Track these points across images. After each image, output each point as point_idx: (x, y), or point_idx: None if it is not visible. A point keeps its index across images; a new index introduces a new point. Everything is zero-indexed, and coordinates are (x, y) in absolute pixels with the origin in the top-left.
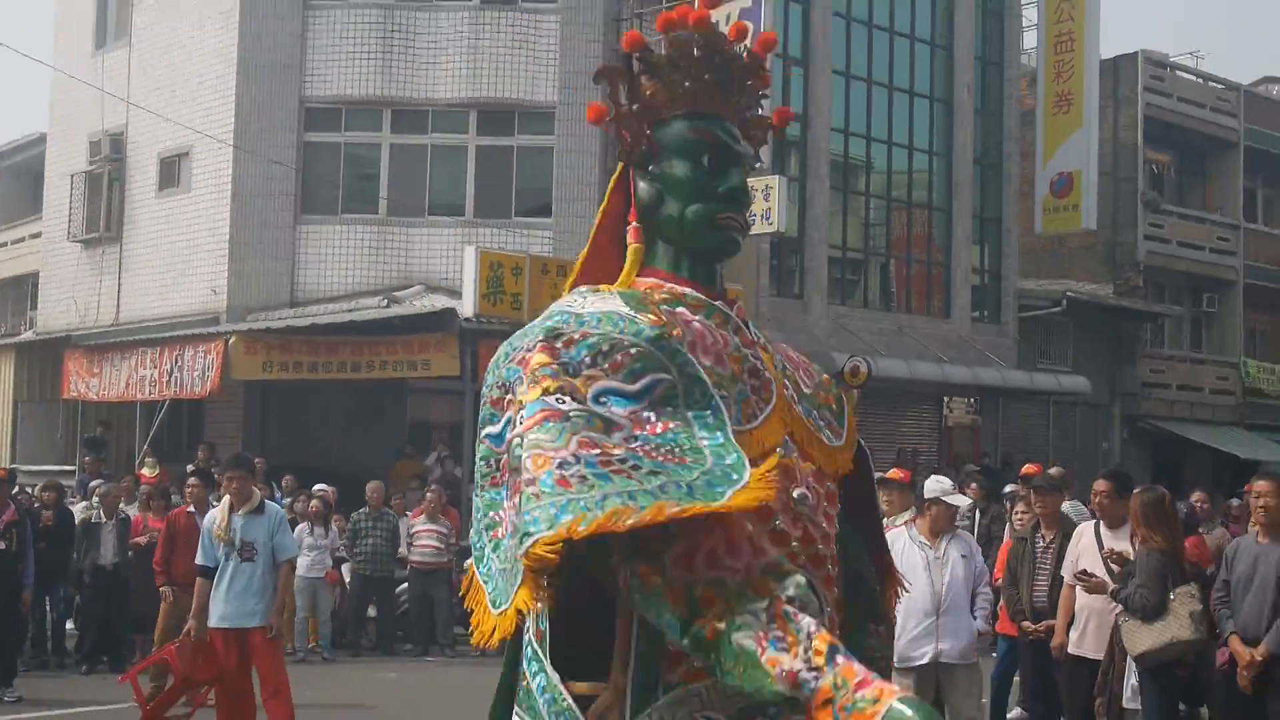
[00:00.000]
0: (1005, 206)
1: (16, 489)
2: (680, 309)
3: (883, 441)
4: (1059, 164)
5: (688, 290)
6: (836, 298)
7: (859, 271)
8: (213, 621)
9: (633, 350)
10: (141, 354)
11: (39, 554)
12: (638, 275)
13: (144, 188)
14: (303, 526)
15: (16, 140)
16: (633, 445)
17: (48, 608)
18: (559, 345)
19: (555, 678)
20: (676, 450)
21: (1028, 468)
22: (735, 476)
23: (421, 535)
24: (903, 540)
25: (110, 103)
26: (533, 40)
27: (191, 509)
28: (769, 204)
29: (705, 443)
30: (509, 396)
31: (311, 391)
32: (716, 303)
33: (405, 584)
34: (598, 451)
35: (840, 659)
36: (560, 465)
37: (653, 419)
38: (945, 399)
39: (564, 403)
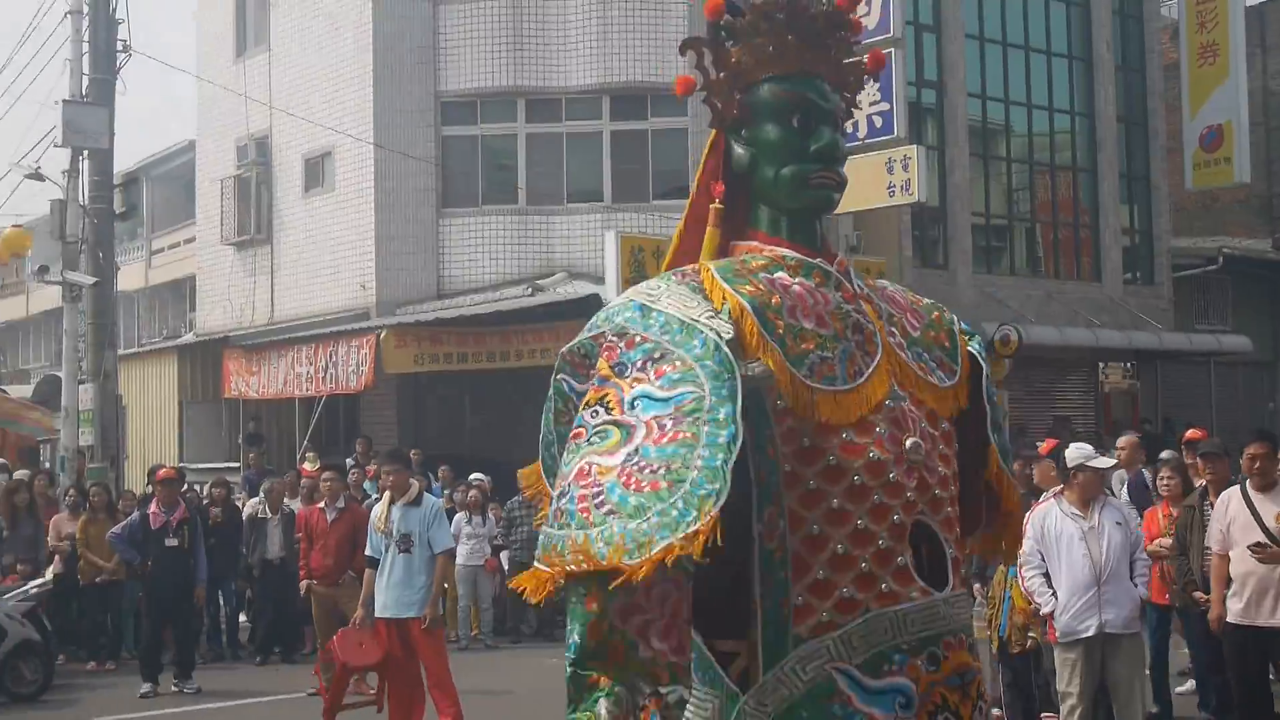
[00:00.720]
0: (1153, 164)
1: (186, 488)
2: (780, 274)
3: (1038, 410)
4: (1207, 117)
5: (787, 252)
6: (982, 266)
7: (1004, 238)
8: (377, 610)
9: (678, 363)
10: (297, 351)
11: (209, 550)
12: (740, 240)
13: (291, 189)
14: (460, 516)
15: (170, 148)
16: (630, 464)
17: (221, 602)
18: (622, 345)
19: (697, 638)
20: (666, 469)
21: (1191, 433)
22: (690, 516)
23: None
24: (1053, 514)
25: (254, 108)
26: (661, 22)
27: (323, 505)
28: (908, 174)
29: (700, 462)
30: (590, 367)
31: (463, 382)
32: (816, 260)
33: None
34: (583, 487)
35: None
36: (558, 496)
37: (669, 427)
38: (1100, 365)
39: (596, 416)
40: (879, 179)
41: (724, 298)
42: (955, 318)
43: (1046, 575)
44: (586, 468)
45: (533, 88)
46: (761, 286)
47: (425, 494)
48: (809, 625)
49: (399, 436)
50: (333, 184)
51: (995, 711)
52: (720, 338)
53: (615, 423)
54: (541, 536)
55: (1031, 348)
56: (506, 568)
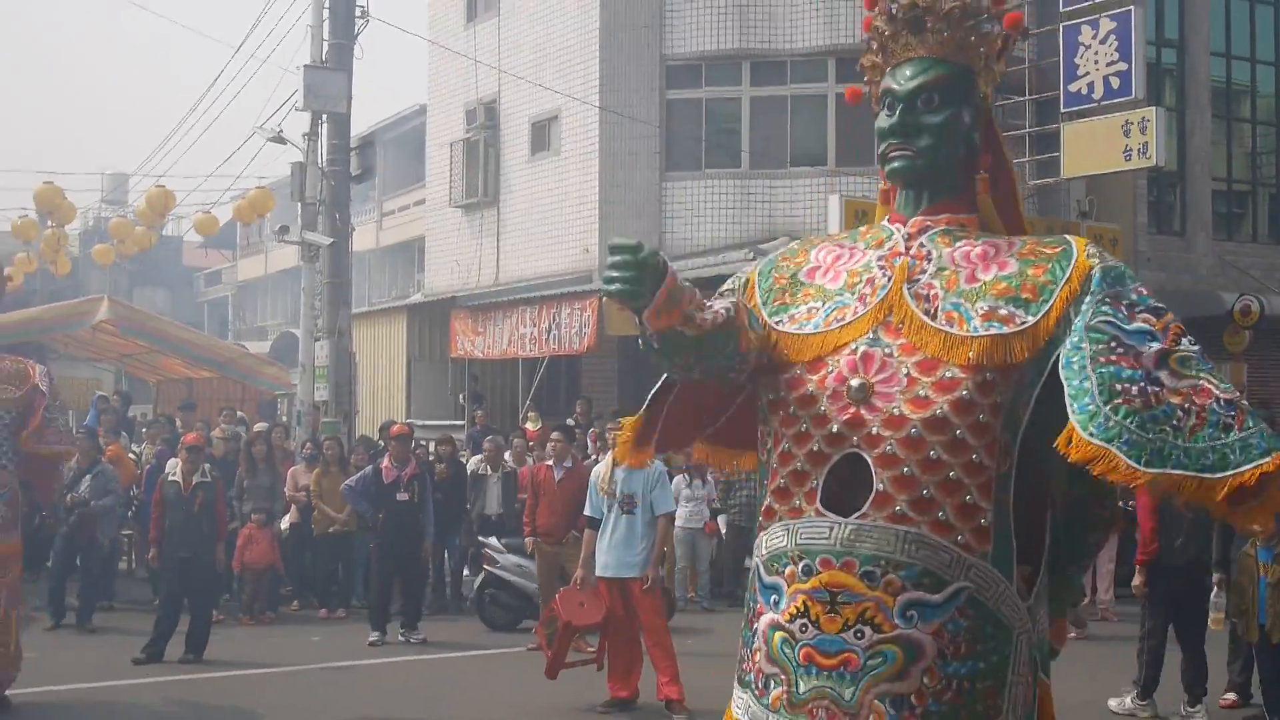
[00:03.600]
0: None
1: (414, 444)
2: (846, 240)
3: (1279, 385)
4: None
5: (883, 223)
6: (1222, 233)
7: (1245, 204)
8: (598, 570)
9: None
10: (521, 313)
11: (436, 505)
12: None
13: (517, 152)
14: (680, 479)
15: (401, 112)
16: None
17: (446, 556)
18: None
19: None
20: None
21: None
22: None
23: None
24: None
25: (483, 72)
26: None
27: (550, 463)
28: (1145, 137)
29: None
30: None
31: None
32: (893, 225)
33: None
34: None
35: None
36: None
37: None
38: None
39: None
40: (1115, 142)
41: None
42: (1071, 271)
43: None
44: None
45: (758, 50)
46: (803, 255)
47: None
48: (758, 525)
49: (619, 398)
50: (558, 147)
51: (1230, 696)
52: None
53: None
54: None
55: (1273, 319)
56: (724, 531)
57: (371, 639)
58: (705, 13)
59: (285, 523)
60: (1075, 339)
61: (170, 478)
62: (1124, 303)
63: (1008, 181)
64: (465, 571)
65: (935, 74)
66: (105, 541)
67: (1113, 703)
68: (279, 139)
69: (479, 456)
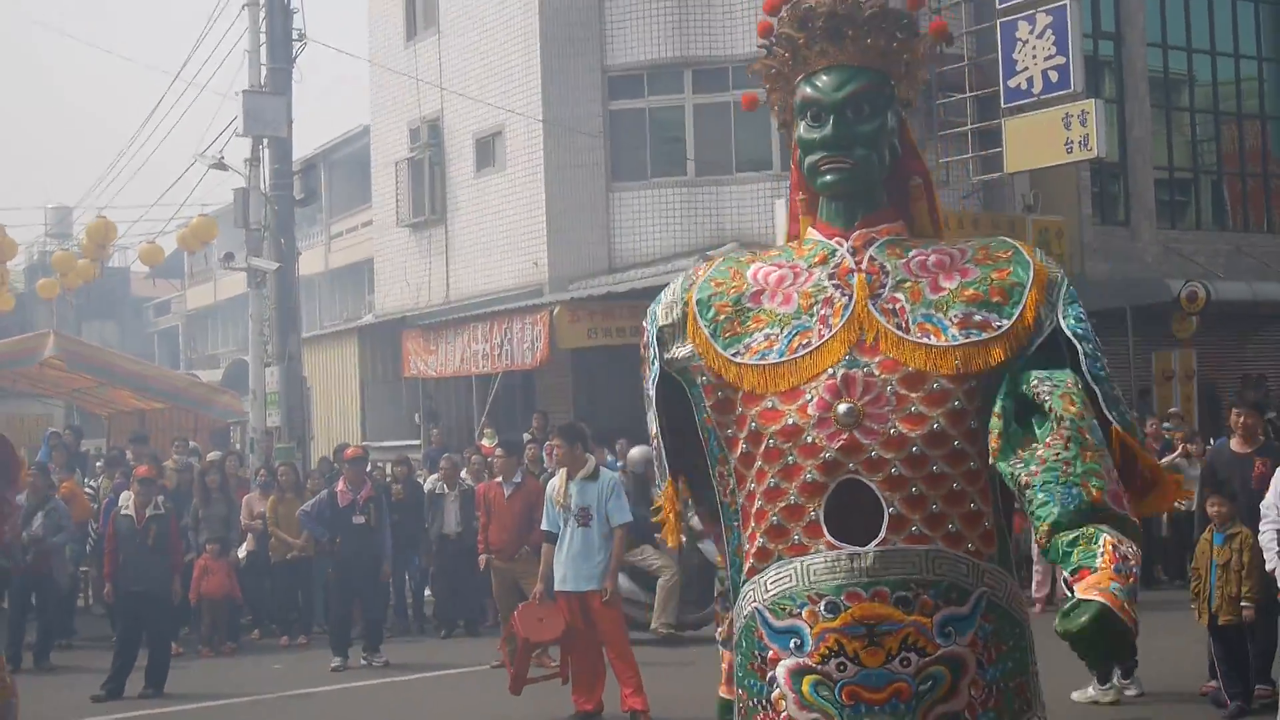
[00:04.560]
0: None
1: (370, 466)
2: (784, 258)
3: (1228, 369)
4: None
5: (812, 233)
6: (1166, 221)
7: (1188, 192)
8: (556, 584)
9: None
10: (473, 329)
11: (393, 526)
12: (814, 224)
13: (463, 169)
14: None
15: (345, 133)
16: None
17: (406, 577)
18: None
19: None
20: None
21: None
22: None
23: None
24: None
25: (425, 90)
26: None
27: (499, 480)
28: (1086, 129)
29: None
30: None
31: (636, 354)
32: (832, 240)
33: None
34: None
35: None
36: None
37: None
38: None
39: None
40: (1056, 135)
41: (684, 292)
42: (1033, 275)
43: None
44: None
45: (699, 58)
46: (738, 277)
47: (602, 468)
48: (746, 568)
49: (574, 410)
50: (503, 163)
51: (1211, 683)
52: (654, 327)
53: None
54: None
55: (1219, 304)
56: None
57: (334, 664)
58: (645, 22)
59: (243, 551)
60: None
61: (123, 511)
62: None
63: (928, 185)
64: (426, 592)
65: (861, 83)
66: (63, 578)
67: (1075, 695)
68: (221, 165)
69: (435, 475)
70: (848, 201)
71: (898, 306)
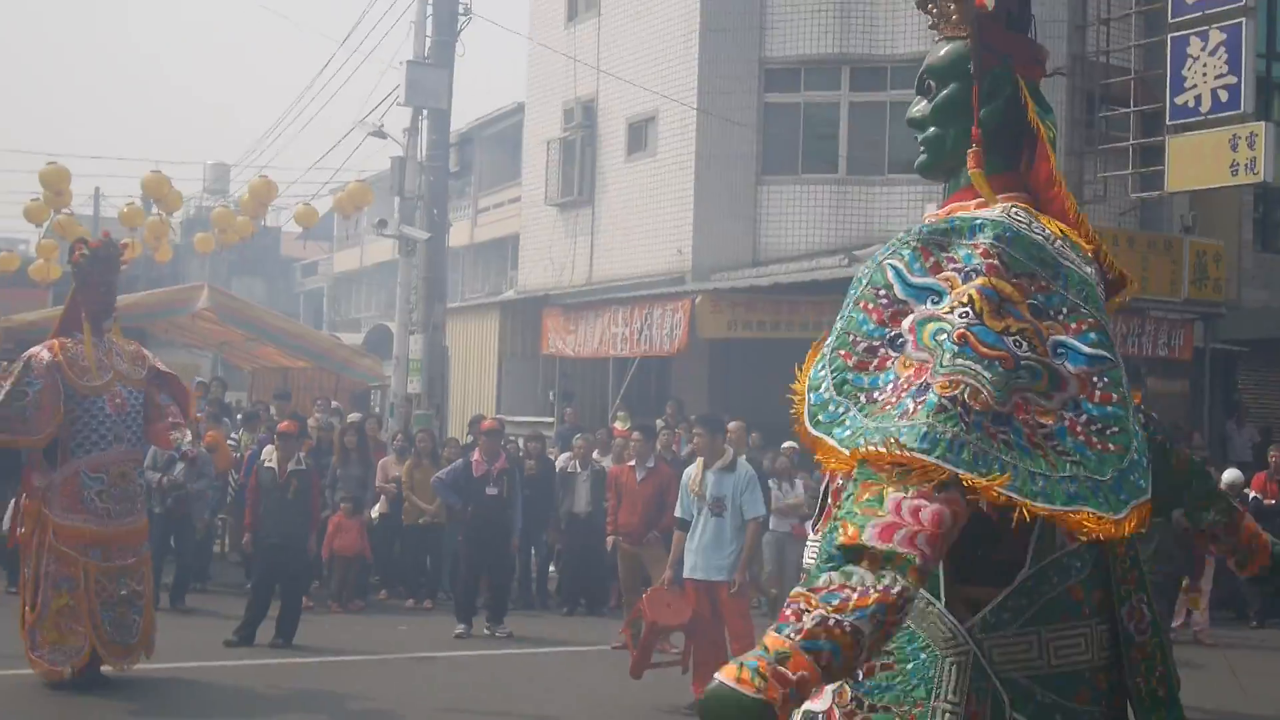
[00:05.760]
0: None
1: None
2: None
3: None
4: None
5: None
6: None
7: None
8: (685, 571)
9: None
10: (613, 312)
11: (524, 501)
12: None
13: (614, 152)
14: (770, 483)
15: (499, 109)
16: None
17: (532, 552)
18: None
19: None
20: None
21: None
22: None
23: None
24: None
25: (582, 71)
26: None
27: (632, 463)
28: (1254, 152)
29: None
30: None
31: (773, 350)
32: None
33: None
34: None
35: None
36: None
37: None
38: None
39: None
40: (1221, 156)
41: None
42: None
43: None
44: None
45: (858, 55)
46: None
47: (740, 460)
48: None
49: (708, 401)
50: (654, 148)
51: None
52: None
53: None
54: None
55: None
56: None
57: (457, 631)
58: (805, 16)
59: (375, 512)
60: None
61: (266, 464)
62: None
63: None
64: (551, 568)
65: (935, 54)
66: (200, 525)
67: None
68: (380, 134)
69: (568, 454)
70: (942, 182)
71: None
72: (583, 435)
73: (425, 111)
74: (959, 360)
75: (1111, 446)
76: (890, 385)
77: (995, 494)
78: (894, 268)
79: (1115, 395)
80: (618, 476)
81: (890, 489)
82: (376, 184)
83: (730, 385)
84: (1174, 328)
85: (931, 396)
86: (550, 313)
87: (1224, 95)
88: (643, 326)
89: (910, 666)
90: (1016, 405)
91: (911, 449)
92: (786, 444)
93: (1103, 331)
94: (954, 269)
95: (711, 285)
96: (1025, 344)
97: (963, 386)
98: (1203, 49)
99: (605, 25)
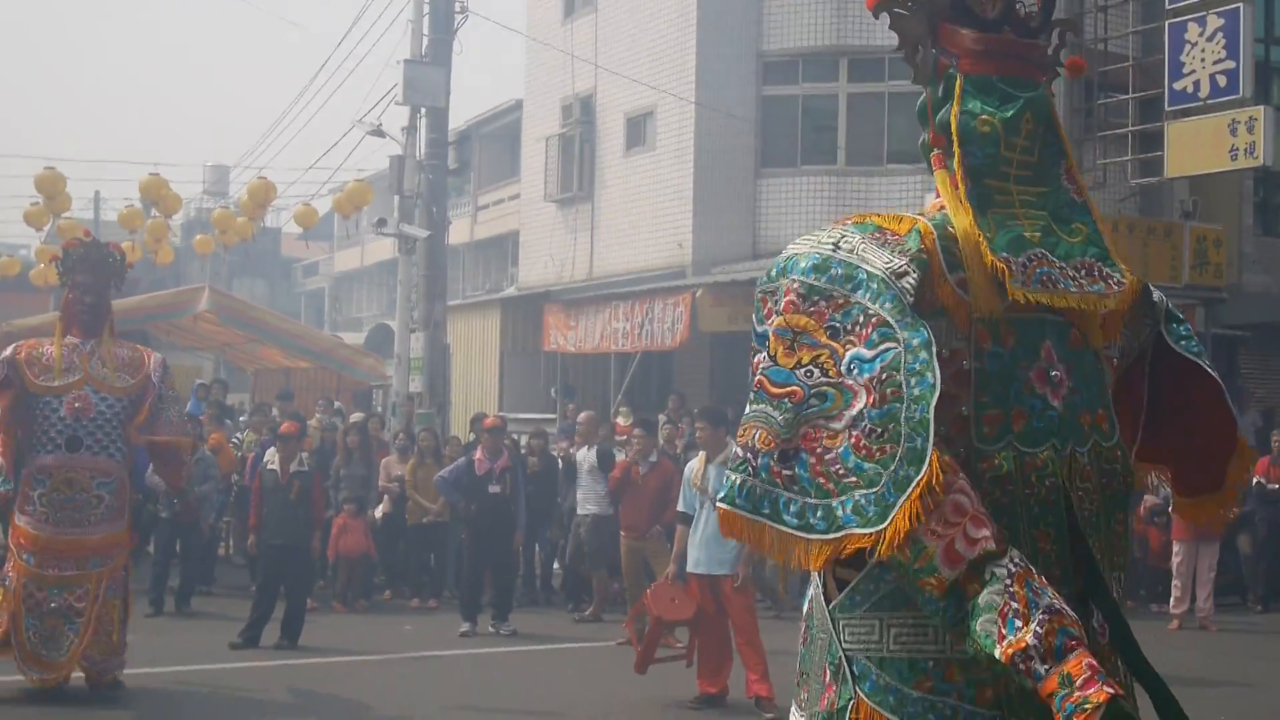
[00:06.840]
0: None
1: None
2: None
3: None
4: None
5: None
6: None
7: None
8: (689, 566)
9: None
10: (614, 307)
11: (526, 498)
12: None
13: (612, 148)
14: None
15: (497, 106)
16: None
17: (536, 549)
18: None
19: None
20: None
21: None
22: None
23: None
24: None
25: (580, 67)
26: None
27: (635, 460)
28: (1253, 136)
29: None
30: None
31: None
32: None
33: None
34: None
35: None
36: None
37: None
38: None
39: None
40: (1221, 141)
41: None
42: None
43: None
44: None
45: (856, 46)
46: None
47: None
48: None
49: (710, 395)
50: (653, 143)
51: None
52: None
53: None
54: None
55: None
56: None
57: (463, 629)
58: (802, 8)
59: (379, 512)
60: None
61: (269, 466)
62: None
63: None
64: (555, 565)
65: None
66: (205, 528)
67: None
68: (378, 133)
69: (568, 442)
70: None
71: None
72: (586, 413)
73: (423, 110)
74: (754, 407)
75: (887, 448)
76: None
77: (768, 544)
78: (753, 320)
79: (891, 389)
80: (627, 472)
81: None
82: (375, 183)
83: (732, 379)
84: None
85: (732, 446)
86: (551, 309)
87: (1223, 80)
88: (644, 321)
89: (818, 639)
90: (805, 436)
91: (718, 499)
92: None
93: (887, 326)
94: (774, 311)
95: (712, 279)
96: (818, 371)
97: (753, 432)
98: (1201, 34)
99: (602, 21)
